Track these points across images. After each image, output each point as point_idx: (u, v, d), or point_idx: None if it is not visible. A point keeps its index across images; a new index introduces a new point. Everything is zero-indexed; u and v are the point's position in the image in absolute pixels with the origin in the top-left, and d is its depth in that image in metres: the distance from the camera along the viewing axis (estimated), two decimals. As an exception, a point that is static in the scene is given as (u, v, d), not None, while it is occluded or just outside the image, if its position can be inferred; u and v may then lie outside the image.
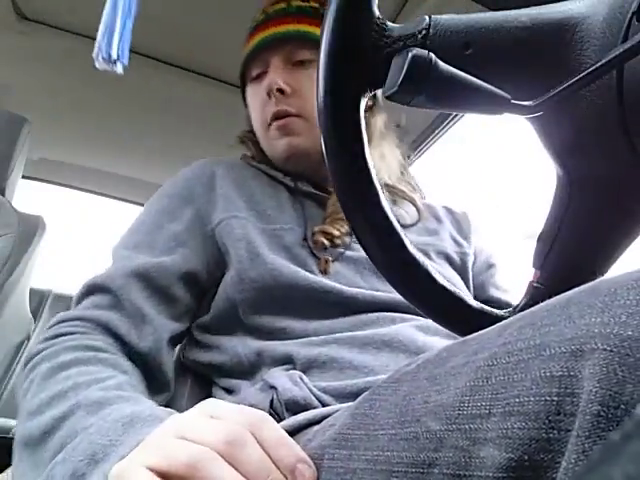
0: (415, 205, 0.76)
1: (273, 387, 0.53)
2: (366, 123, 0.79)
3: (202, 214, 0.67)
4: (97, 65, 0.53)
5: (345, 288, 0.61)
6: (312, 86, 0.70)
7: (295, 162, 0.73)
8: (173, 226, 0.65)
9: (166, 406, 0.45)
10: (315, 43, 0.69)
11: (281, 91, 0.69)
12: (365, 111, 0.78)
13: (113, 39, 0.52)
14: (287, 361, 0.57)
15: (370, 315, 0.60)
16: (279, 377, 0.53)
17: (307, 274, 0.62)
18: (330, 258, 0.65)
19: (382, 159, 0.75)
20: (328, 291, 0.61)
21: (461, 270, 0.72)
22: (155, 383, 0.58)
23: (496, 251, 0.81)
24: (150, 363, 0.57)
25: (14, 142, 1.22)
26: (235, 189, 0.70)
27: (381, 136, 0.77)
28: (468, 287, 0.73)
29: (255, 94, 0.75)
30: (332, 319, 0.60)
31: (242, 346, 0.60)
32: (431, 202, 0.82)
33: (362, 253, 0.66)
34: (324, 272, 0.64)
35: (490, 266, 0.78)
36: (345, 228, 0.68)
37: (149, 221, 0.66)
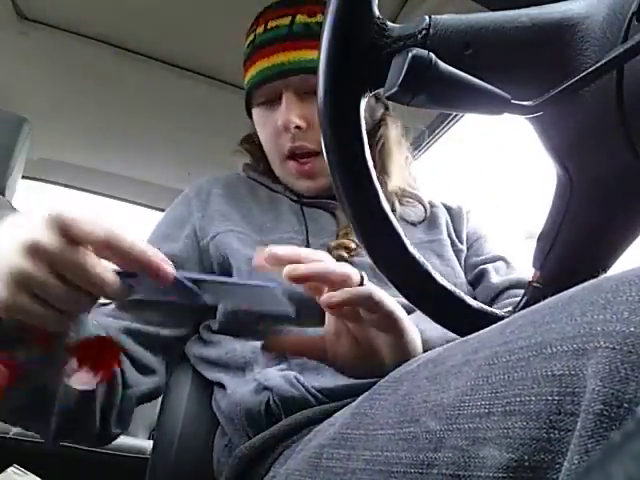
0: (422, 204, 0.76)
1: (268, 388, 0.53)
2: (381, 135, 0.77)
3: (198, 230, 0.69)
4: None
5: None
6: None
7: (311, 196, 0.74)
8: (170, 247, 0.67)
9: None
10: None
11: (298, 127, 0.69)
12: (379, 122, 0.77)
13: None
14: (281, 360, 0.57)
15: None
16: (273, 378, 0.53)
17: None
18: None
19: (399, 167, 0.76)
20: None
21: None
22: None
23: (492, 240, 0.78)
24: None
25: (14, 142, 1.22)
26: (232, 206, 0.71)
27: (398, 145, 0.78)
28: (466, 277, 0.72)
29: (265, 121, 0.73)
30: None
31: (240, 344, 0.60)
32: (432, 199, 0.82)
33: (366, 258, 0.65)
34: None
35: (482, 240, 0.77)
36: None
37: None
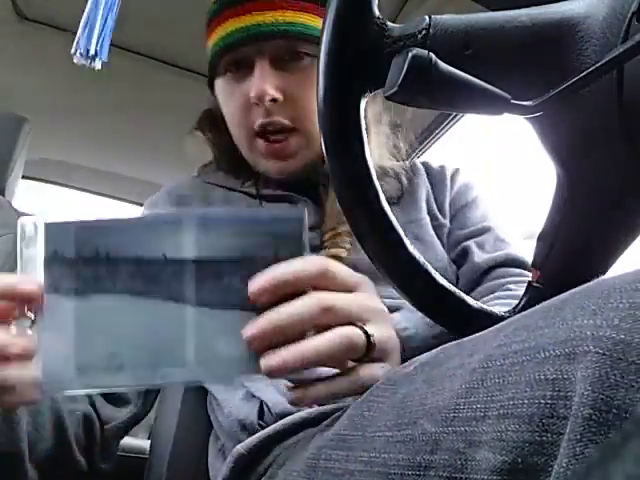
0: (399, 180, 0.69)
1: (257, 398, 0.52)
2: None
3: None
4: (75, 60, 0.52)
5: None
6: (310, 88, 0.59)
7: (284, 180, 0.67)
8: None
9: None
10: (313, 36, 0.60)
11: (273, 100, 0.60)
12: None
13: (93, 34, 0.51)
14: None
15: None
16: (265, 389, 0.52)
17: None
18: None
19: (379, 145, 0.70)
20: None
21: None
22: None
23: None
24: None
25: (14, 142, 1.22)
26: None
27: (376, 122, 0.70)
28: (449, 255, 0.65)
29: (232, 93, 0.64)
30: None
31: None
32: (416, 163, 0.75)
33: (363, 257, 0.61)
34: None
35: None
36: (348, 243, 0.61)
37: None
